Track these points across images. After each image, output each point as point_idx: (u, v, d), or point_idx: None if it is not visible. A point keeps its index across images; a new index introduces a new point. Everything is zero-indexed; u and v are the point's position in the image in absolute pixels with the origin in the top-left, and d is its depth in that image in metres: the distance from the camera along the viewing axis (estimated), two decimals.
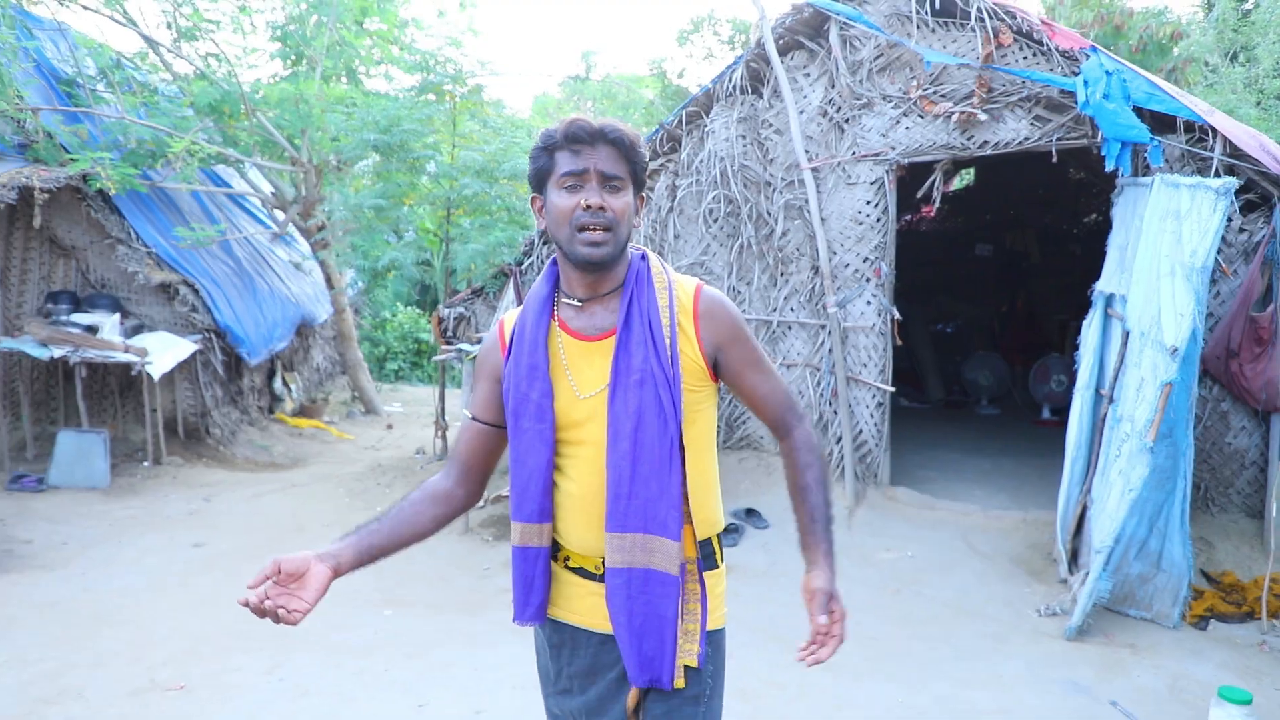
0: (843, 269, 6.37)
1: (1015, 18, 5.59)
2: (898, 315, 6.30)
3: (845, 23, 6.09)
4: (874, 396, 6.42)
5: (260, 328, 9.18)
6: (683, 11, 36.65)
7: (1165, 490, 4.73)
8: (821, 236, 6.26)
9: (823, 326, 6.45)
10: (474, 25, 24.03)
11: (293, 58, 10.07)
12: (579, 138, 1.67)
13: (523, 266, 7.10)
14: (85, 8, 7.97)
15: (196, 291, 8.32)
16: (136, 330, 8.01)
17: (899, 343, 6.44)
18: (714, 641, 1.81)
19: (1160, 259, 4.73)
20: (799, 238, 6.48)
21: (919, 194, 6.21)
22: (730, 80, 6.52)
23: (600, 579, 1.75)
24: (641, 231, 7.09)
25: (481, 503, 1.94)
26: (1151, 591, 4.83)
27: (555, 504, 1.77)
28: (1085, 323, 5.53)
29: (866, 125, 6.20)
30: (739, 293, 6.77)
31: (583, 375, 1.74)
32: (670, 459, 1.67)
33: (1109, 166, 5.31)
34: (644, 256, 1.79)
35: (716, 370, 1.79)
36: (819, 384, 6.51)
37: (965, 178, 12.67)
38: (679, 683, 1.69)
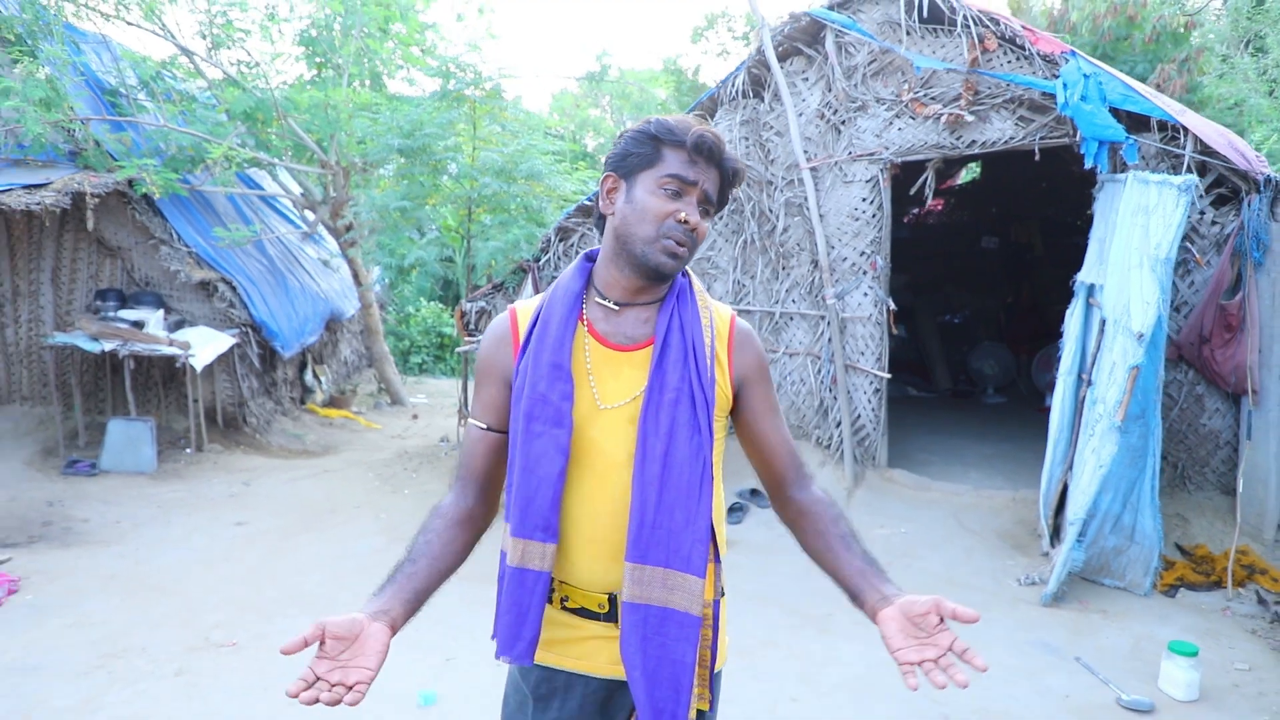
0: (841, 263, 6.74)
1: (999, 24, 5.93)
2: (893, 306, 6.66)
3: (840, 30, 6.46)
4: (871, 383, 6.78)
5: (292, 322, 9.66)
6: (697, 8, 36.88)
7: (1137, 468, 5.08)
8: (820, 232, 6.63)
9: (822, 317, 6.82)
10: (492, 30, 24.46)
11: (319, 61, 10.52)
12: (705, 151, 1.58)
13: (540, 262, 7.52)
14: (128, 23, 8.44)
15: (234, 288, 8.80)
16: (179, 325, 8.51)
17: (895, 331, 6.80)
18: (719, 678, 1.73)
19: (1131, 251, 5.07)
20: (799, 233, 6.86)
21: (912, 191, 6.53)
22: (733, 85, 6.90)
23: (604, 618, 1.63)
24: None
25: None
26: (1125, 562, 5.17)
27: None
28: (1069, 311, 5.86)
29: (861, 127, 6.56)
30: (743, 286, 7.15)
31: (606, 384, 1.62)
32: (701, 486, 1.55)
33: (1088, 164, 5.64)
34: (684, 274, 1.70)
35: (734, 404, 1.71)
36: (819, 371, 6.88)
37: (971, 173, 12.96)
38: None
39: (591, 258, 1.74)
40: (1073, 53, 5.65)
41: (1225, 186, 5.54)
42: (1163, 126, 5.55)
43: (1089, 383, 5.40)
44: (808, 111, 6.75)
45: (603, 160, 1.71)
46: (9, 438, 8.35)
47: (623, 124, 21.60)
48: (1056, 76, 5.71)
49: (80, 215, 7.90)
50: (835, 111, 6.63)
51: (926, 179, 6.49)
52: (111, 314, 8.20)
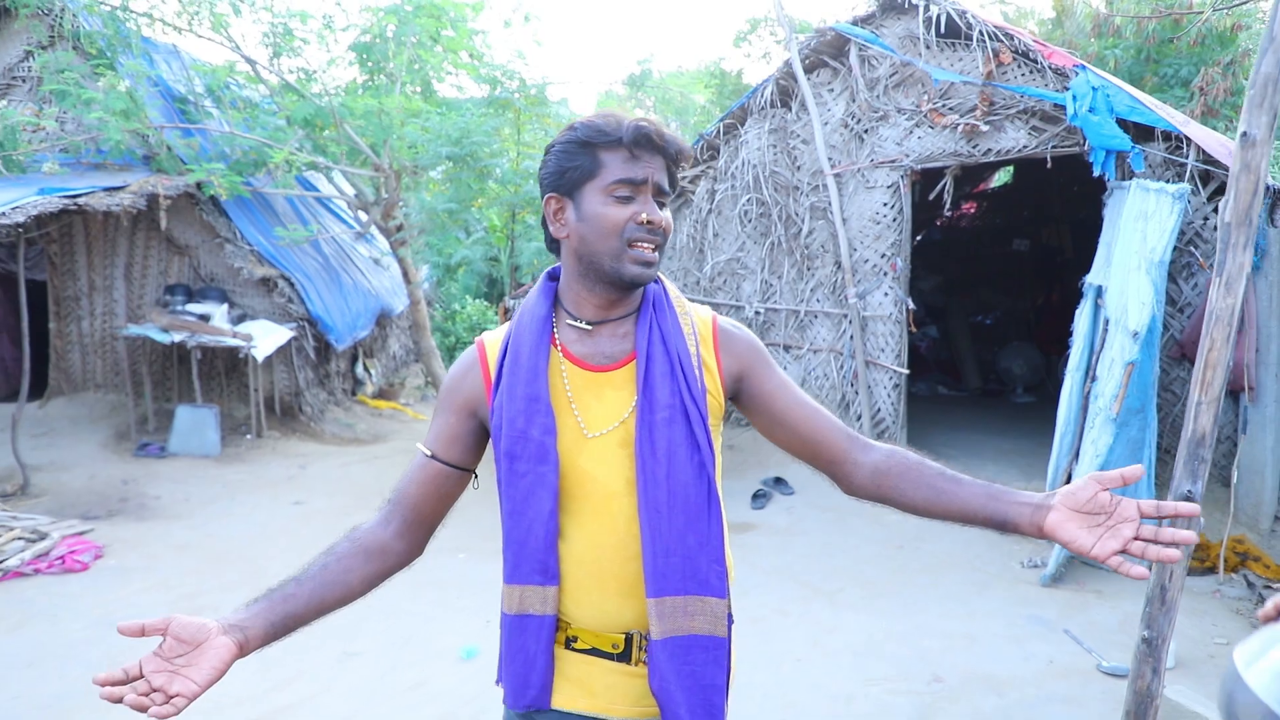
0: (862, 264, 7.10)
1: (1013, 39, 6.25)
2: (912, 305, 7.00)
3: (863, 45, 6.82)
4: (891, 379, 7.13)
5: (345, 317, 10.21)
6: (740, 11, 37.23)
7: (1136, 459, 5.39)
8: (843, 235, 7.00)
9: (845, 316, 7.18)
10: (537, 37, 24.97)
11: (371, 68, 11.06)
12: (645, 142, 1.47)
13: None
14: (198, 35, 9.04)
15: (292, 285, 9.36)
16: (241, 319, 9.09)
17: (914, 330, 7.14)
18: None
19: (1131, 254, 5.39)
20: (823, 236, 7.22)
21: (931, 196, 6.87)
22: (762, 95, 7.29)
23: (618, 659, 1.54)
24: (684, 230, 7.90)
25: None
26: None
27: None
28: (1078, 311, 6.16)
29: (883, 135, 6.92)
30: (771, 285, 7.54)
31: (590, 411, 1.52)
32: (709, 503, 1.48)
33: (1096, 172, 5.94)
34: (657, 279, 1.59)
35: (738, 402, 1.63)
36: (841, 367, 7.24)
37: (1004, 177, 13.17)
38: None
39: (555, 276, 1.63)
40: (1082, 66, 5.96)
41: None
42: (1167, 137, 5.84)
43: (1094, 378, 5.70)
44: (832, 120, 7.11)
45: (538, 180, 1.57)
46: (85, 422, 8.99)
47: (668, 121, 21.94)
48: (1067, 89, 6.02)
49: (152, 215, 8.50)
50: (858, 121, 6.99)
51: (945, 185, 6.82)
52: (180, 308, 8.80)
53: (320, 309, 9.61)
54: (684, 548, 1.45)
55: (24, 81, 9.10)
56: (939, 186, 6.86)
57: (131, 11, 8.58)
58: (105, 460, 8.09)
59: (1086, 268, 5.92)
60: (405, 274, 11.53)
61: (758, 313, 7.61)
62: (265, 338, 8.67)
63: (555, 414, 1.50)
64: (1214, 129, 12.97)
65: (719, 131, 7.60)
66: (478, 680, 4.11)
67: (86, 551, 5.62)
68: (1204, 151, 5.71)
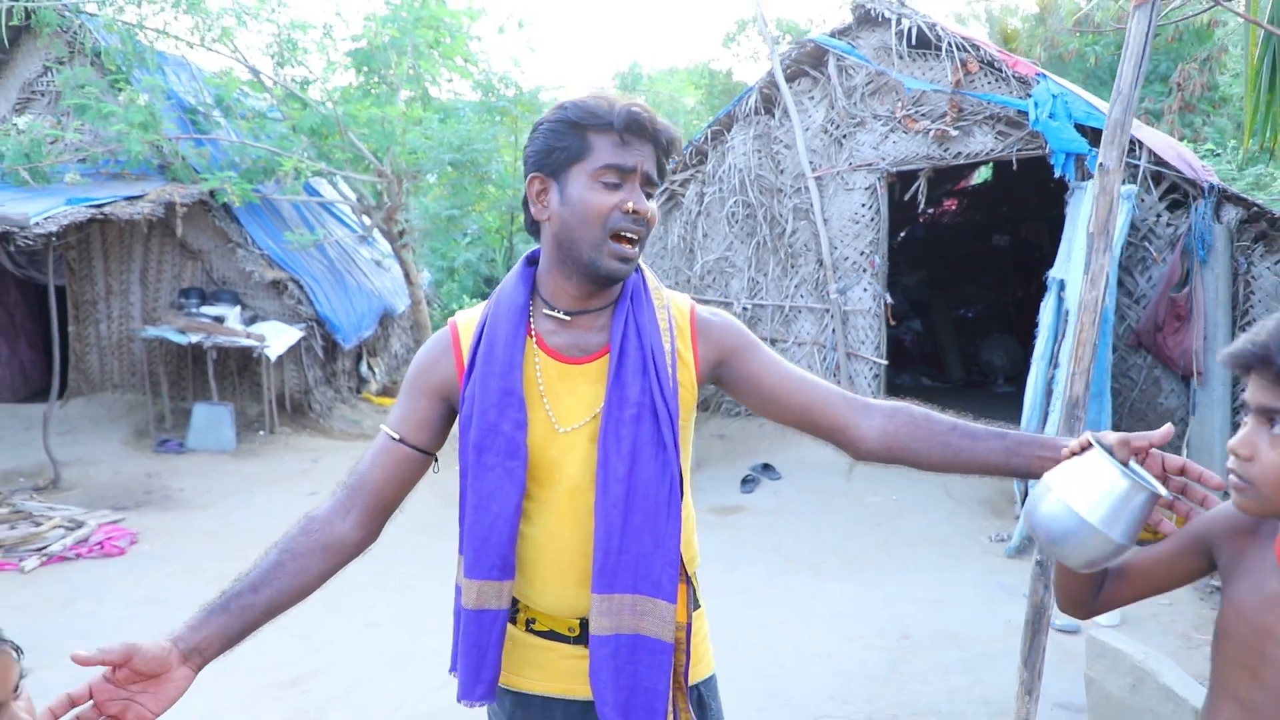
0: (843, 261, 7.54)
1: (979, 49, 6.71)
2: (890, 300, 7.45)
3: (841, 55, 7.27)
4: (871, 369, 7.58)
5: (351, 317, 10.62)
6: (729, 12, 37.71)
7: None
8: (824, 234, 7.44)
9: (826, 310, 7.63)
10: (531, 43, 25.26)
11: (374, 79, 11.46)
12: (637, 129, 1.43)
13: None
14: (207, 49, 9.44)
15: (300, 287, 9.76)
16: (252, 320, 9.50)
17: (892, 323, 7.59)
18: (708, 689, 1.65)
19: (1086, 249, 5.83)
20: (806, 235, 7.67)
21: (906, 197, 7.32)
22: (747, 103, 7.74)
23: (575, 641, 1.54)
24: (675, 231, 8.35)
25: None
26: None
27: (518, 557, 1.51)
28: (1043, 304, 6.61)
29: (860, 140, 7.36)
30: (757, 283, 7.98)
31: (562, 404, 1.51)
32: (669, 506, 1.46)
33: (1056, 174, 6.39)
34: (638, 269, 1.56)
35: (725, 385, 1.61)
36: (824, 359, 7.69)
37: (984, 174, 13.63)
38: None
39: (533, 260, 1.60)
40: (1043, 75, 6.41)
41: (1179, 193, 6.26)
42: None
43: (1056, 365, 6.15)
44: (813, 126, 7.55)
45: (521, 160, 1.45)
46: (104, 421, 9.40)
47: None
48: (1029, 96, 6.47)
49: (166, 221, 8.90)
50: (837, 126, 7.43)
51: (919, 186, 7.26)
52: (194, 310, 9.20)
53: (328, 310, 10.02)
54: (638, 546, 1.43)
55: (43, 95, 9.50)
56: (913, 188, 7.31)
57: (147, 28, 8.98)
58: (127, 456, 8.50)
59: None
60: (407, 275, 11.95)
61: (745, 309, 8.05)
62: (277, 338, 9.07)
63: (527, 407, 1.48)
64: (1190, 123, 13.42)
65: (707, 137, 8.04)
66: None
67: (122, 538, 6.05)
68: (1155, 154, 6.16)
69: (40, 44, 9.14)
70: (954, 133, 6.86)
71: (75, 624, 4.78)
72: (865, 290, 7.51)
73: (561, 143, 1.44)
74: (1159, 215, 6.30)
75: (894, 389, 10.54)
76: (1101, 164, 1.92)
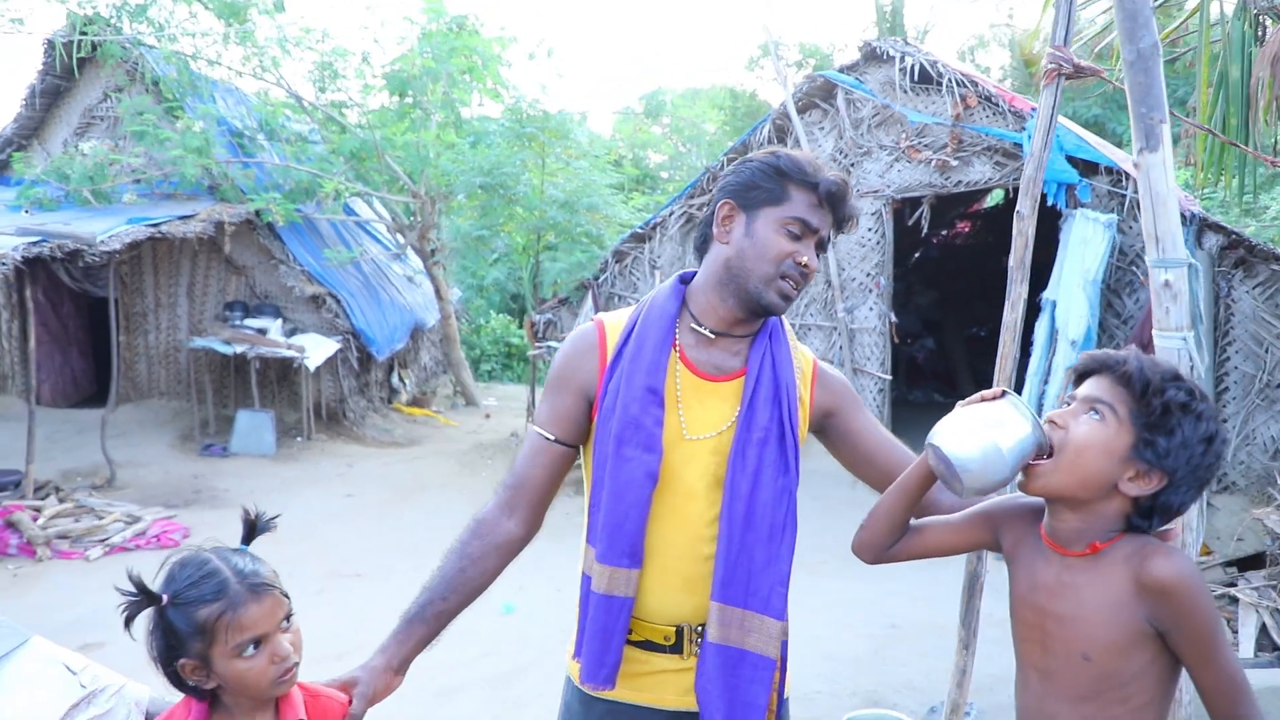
0: (850, 282, 7.98)
1: (978, 85, 7.15)
2: (894, 319, 7.87)
3: (849, 90, 7.73)
4: (876, 384, 8.00)
5: (384, 330, 11.16)
6: (751, 34, 38.31)
7: None
8: (832, 256, 7.88)
9: (834, 328, 8.06)
10: (559, 70, 25.93)
11: (408, 104, 12.04)
12: (833, 200, 1.57)
13: (599, 281, 8.88)
14: (256, 78, 10.06)
15: (338, 301, 10.32)
16: (293, 332, 10.06)
17: (896, 340, 8.00)
18: (786, 705, 1.72)
19: (1074, 274, 6.25)
20: None
21: (910, 222, 7.76)
22: (762, 133, 8.20)
23: (671, 651, 1.60)
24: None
25: None
26: None
27: None
28: (1037, 323, 7.00)
29: (867, 168, 7.81)
30: None
31: (693, 414, 1.59)
32: (784, 528, 1.57)
33: (1049, 203, 6.80)
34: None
35: (825, 437, 1.74)
36: None
37: (996, 197, 14.01)
38: None
39: (685, 279, 1.70)
40: (1036, 110, 6.82)
41: None
42: (1110, 171, 6.70)
43: (1046, 382, 6.55)
44: (822, 156, 8.01)
45: (717, 183, 1.67)
46: (152, 426, 9.97)
47: (679, 147, 22.90)
48: (1024, 129, 6.89)
49: (214, 238, 9.49)
50: (845, 155, 7.88)
51: (922, 212, 7.70)
52: (238, 323, 9.77)
53: (363, 323, 10.57)
54: (752, 562, 1.52)
55: (102, 120, 10.16)
56: (917, 214, 7.74)
57: (202, 58, 9.61)
58: (174, 459, 9.05)
59: None
60: (438, 291, 12.50)
61: None
62: (316, 349, 9.62)
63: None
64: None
65: (723, 164, 8.50)
66: (515, 630, 5.01)
67: (176, 532, 6.57)
68: None
69: (103, 73, 9.80)
70: (954, 162, 7.29)
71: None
72: (871, 309, 7.93)
73: (766, 184, 1.57)
74: None
75: (907, 405, 10.92)
76: (1019, 211, 2.34)
